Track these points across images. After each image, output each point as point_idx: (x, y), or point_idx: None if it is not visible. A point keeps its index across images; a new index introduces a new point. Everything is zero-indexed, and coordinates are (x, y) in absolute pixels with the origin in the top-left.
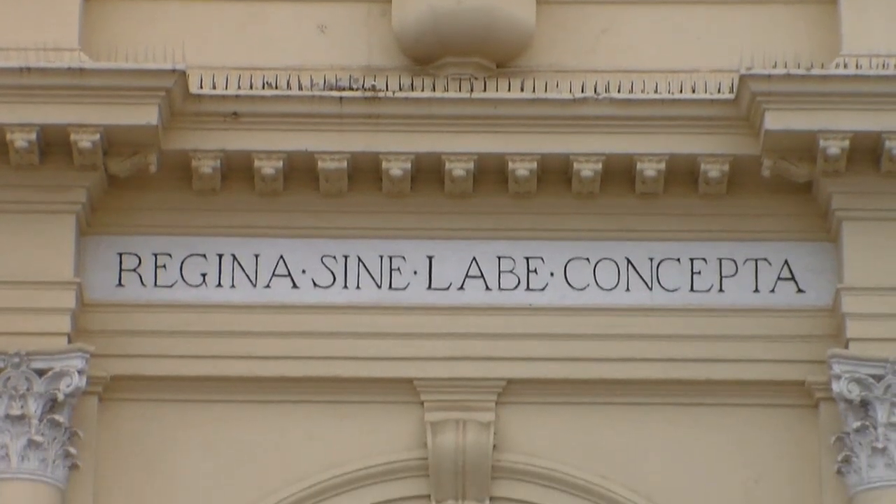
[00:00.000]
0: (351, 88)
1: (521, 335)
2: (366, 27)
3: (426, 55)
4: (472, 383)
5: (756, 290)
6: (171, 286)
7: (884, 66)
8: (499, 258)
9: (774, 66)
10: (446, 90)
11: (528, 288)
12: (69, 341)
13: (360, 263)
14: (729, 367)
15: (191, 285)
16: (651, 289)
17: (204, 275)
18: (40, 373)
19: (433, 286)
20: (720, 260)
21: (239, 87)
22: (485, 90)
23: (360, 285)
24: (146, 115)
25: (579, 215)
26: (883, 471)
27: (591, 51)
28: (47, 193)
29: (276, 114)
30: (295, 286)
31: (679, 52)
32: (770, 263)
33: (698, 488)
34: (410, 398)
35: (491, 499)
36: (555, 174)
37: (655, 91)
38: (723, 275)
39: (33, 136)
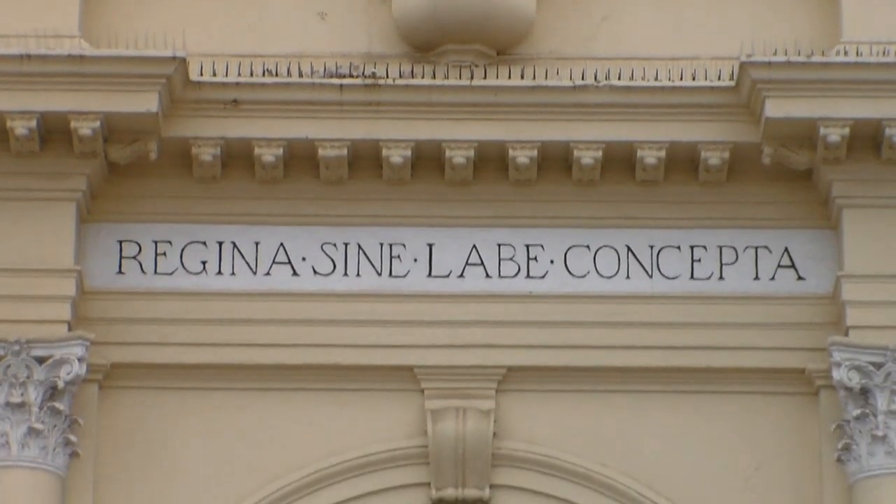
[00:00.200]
0: (351, 76)
1: (521, 323)
2: (366, 14)
3: (426, 42)
4: (472, 371)
5: (756, 278)
6: (171, 274)
7: (884, 53)
8: (499, 246)
9: (775, 54)
10: (446, 77)
11: (528, 275)
12: (69, 329)
13: (361, 251)
14: (729, 354)
15: (191, 273)
16: (651, 276)
17: (204, 262)
18: (40, 360)
19: (433, 274)
20: (720, 247)
21: (239, 75)
22: (485, 77)
23: (360, 273)
24: (146, 102)
25: (579, 203)
26: (883, 458)
27: (592, 38)
28: (47, 181)
29: (277, 101)
30: (295, 274)
31: (679, 39)
32: (770, 251)
33: (698, 476)
34: (410, 386)
35: (491, 486)
36: (555, 162)
37: (656, 78)
38: (723, 262)
39: (33, 124)
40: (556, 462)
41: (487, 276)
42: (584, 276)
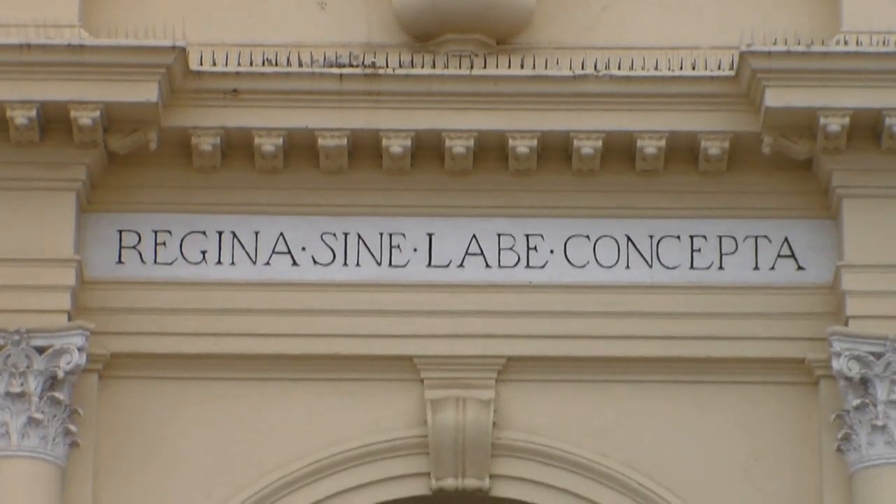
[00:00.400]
0: (351, 65)
1: (520, 313)
2: (366, 4)
3: (426, 32)
4: (472, 361)
5: (756, 268)
6: (171, 263)
7: (884, 42)
8: (499, 235)
9: (775, 43)
10: (446, 67)
11: (528, 265)
12: (69, 319)
13: (360, 241)
14: (729, 344)
15: (191, 262)
16: (651, 266)
17: (204, 252)
18: (40, 350)
19: (433, 263)
20: (720, 237)
21: (239, 64)
22: (485, 67)
23: (360, 263)
24: (146, 91)
25: (579, 192)
26: (882, 448)
27: (592, 28)
28: (47, 170)
29: (276, 91)
30: (295, 263)
31: (679, 28)
32: (770, 241)
33: (698, 466)
34: (410, 376)
35: (491, 476)
36: (555, 151)
37: (656, 68)
38: (723, 252)
39: (33, 113)
40: (556, 452)
41: (487, 265)
42: (584, 265)
